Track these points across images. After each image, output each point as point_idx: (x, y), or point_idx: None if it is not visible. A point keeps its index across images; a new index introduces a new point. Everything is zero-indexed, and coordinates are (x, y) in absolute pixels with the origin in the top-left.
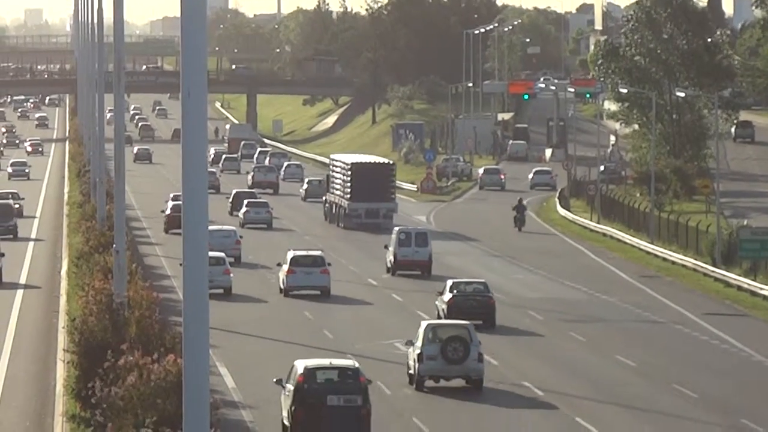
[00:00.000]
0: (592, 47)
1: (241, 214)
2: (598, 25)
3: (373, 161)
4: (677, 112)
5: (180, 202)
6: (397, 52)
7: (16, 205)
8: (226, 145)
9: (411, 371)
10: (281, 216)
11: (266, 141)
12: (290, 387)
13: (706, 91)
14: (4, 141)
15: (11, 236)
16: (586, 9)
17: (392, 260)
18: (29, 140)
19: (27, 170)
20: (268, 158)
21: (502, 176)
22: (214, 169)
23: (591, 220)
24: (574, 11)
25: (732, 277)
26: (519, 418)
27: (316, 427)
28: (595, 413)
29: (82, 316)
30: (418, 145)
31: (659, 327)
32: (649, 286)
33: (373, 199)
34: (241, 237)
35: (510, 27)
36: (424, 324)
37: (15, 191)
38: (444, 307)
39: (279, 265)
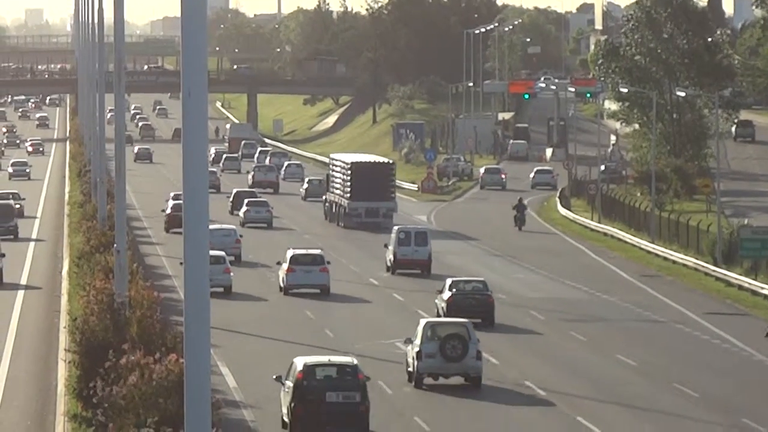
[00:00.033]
0: (592, 47)
1: (241, 213)
2: (599, 25)
3: (372, 160)
4: (678, 111)
5: (180, 202)
6: (397, 52)
7: (17, 206)
8: (227, 144)
9: (410, 369)
10: (281, 215)
11: (267, 140)
12: (290, 384)
13: (707, 90)
14: (5, 141)
15: (12, 237)
16: (587, 9)
17: (392, 259)
18: (30, 140)
19: (28, 170)
20: (268, 158)
21: (503, 176)
22: (214, 169)
23: (592, 220)
24: (574, 11)
25: (733, 276)
26: (520, 417)
27: (315, 423)
28: (596, 412)
29: (84, 315)
30: (418, 145)
31: (660, 326)
32: (649, 285)
33: (373, 199)
34: (241, 236)
35: (510, 27)
36: (422, 322)
37: (16, 191)
38: (443, 305)
39: (279, 263)
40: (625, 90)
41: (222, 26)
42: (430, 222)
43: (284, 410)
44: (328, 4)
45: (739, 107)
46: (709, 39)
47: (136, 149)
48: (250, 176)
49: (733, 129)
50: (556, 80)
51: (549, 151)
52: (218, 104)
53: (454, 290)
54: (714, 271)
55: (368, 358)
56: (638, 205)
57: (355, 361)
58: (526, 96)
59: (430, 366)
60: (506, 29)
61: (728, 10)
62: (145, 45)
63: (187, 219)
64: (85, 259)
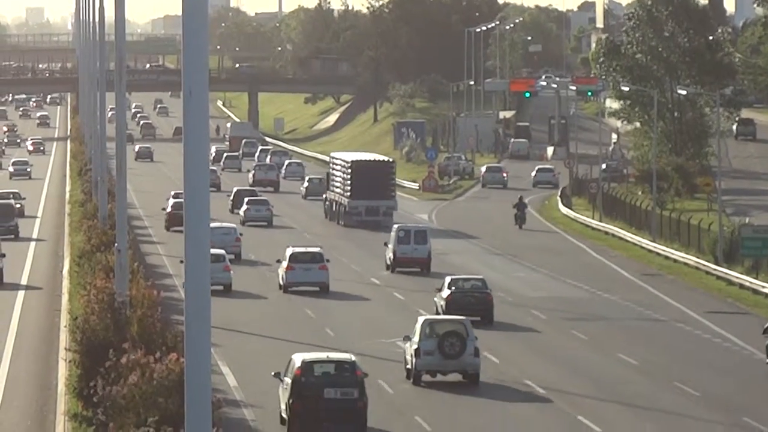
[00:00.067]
0: (593, 45)
1: (241, 211)
2: (600, 23)
3: (372, 159)
4: (679, 110)
5: (181, 200)
6: (398, 51)
7: (18, 205)
8: (228, 143)
9: (408, 366)
10: (282, 214)
11: (268, 139)
12: (288, 380)
13: (708, 89)
14: (6, 140)
15: (12, 236)
16: (588, 7)
17: (391, 257)
18: (31, 139)
19: (28, 169)
20: (269, 156)
21: (505, 174)
22: (215, 168)
23: (593, 218)
24: (575, 9)
25: (734, 275)
26: (520, 415)
27: (313, 419)
28: (597, 411)
29: (84, 315)
30: (419, 144)
31: (661, 325)
32: (650, 284)
33: (373, 197)
34: (241, 234)
35: (511, 25)
36: (421, 319)
37: (16, 191)
38: (443, 303)
39: (278, 261)
40: (627, 88)
41: (223, 25)
42: (431, 221)
43: (282, 406)
44: (329, 2)
45: (741, 105)
46: (711, 37)
47: (136, 148)
48: (250, 175)
49: (735, 127)
50: (558, 79)
51: (550, 150)
52: (219, 103)
53: (453, 288)
54: (715, 269)
55: (369, 357)
56: (639, 204)
57: (353, 358)
58: (527, 94)
59: (429, 363)
60: (507, 27)
61: (729, 8)
62: (146, 43)
63: (188, 218)
64: (86, 258)
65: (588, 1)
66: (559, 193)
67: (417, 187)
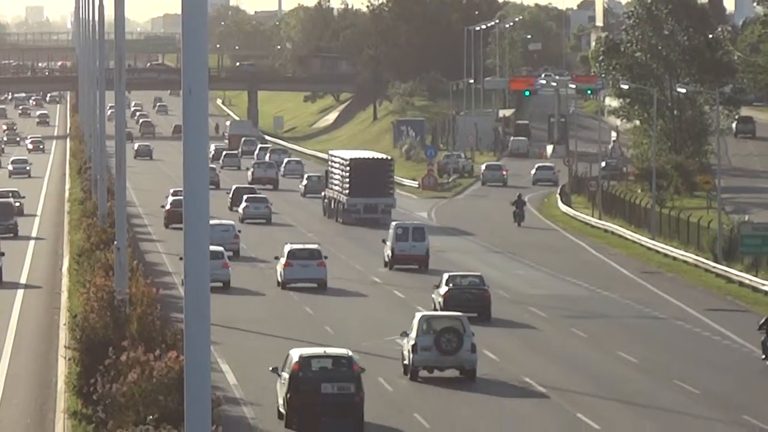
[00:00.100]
0: (593, 43)
1: (240, 209)
2: (599, 22)
3: (371, 157)
4: (678, 108)
5: (180, 197)
6: (398, 49)
7: (17, 204)
8: (227, 141)
9: (406, 362)
10: (280, 211)
11: (267, 137)
12: (286, 375)
13: (707, 87)
14: (5, 138)
15: (12, 235)
16: (587, 5)
17: (390, 255)
18: (30, 137)
19: (28, 168)
20: (268, 154)
21: (504, 172)
22: (213, 166)
23: (592, 216)
24: (575, 7)
25: (734, 273)
26: (519, 414)
27: (311, 413)
28: (596, 409)
29: (84, 312)
30: (419, 142)
31: (661, 323)
32: (650, 282)
33: (372, 195)
34: (239, 231)
35: (511, 23)
36: (418, 315)
37: (16, 189)
38: (440, 300)
39: (276, 258)
40: (626, 87)
41: (222, 23)
42: (430, 219)
43: (280, 401)
44: (328, 1)
45: (740, 104)
46: (710, 36)
47: (136, 146)
48: (249, 173)
49: (734, 125)
50: (557, 77)
51: (550, 148)
52: (219, 101)
53: (450, 285)
54: (714, 267)
55: (368, 355)
56: (639, 202)
57: (350, 353)
58: (527, 93)
59: (426, 359)
60: (507, 26)
61: (729, 7)
62: (146, 42)
63: (187, 216)
64: (86, 256)
65: (587, 0)
66: (558, 191)
67: (416, 185)
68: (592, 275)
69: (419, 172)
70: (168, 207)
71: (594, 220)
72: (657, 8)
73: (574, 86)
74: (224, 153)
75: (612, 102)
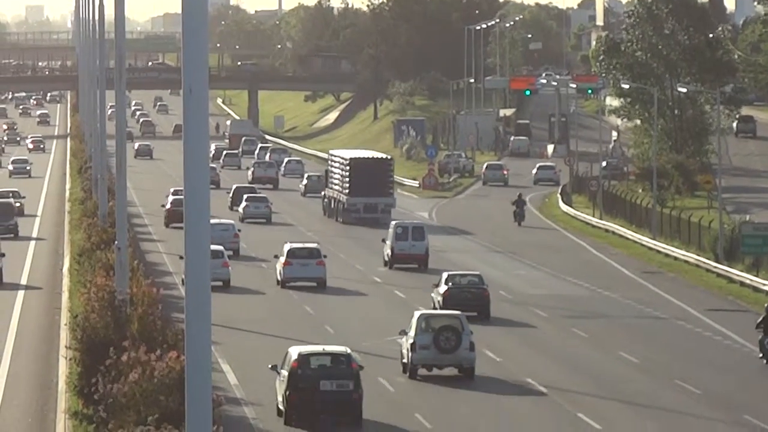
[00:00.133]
0: (593, 43)
1: (240, 208)
2: (600, 21)
3: (371, 156)
4: (679, 107)
5: (180, 197)
6: (398, 48)
7: (17, 204)
8: (227, 140)
9: (404, 360)
10: (281, 211)
11: (267, 137)
12: (285, 372)
13: (708, 86)
14: (6, 138)
15: (12, 235)
16: (588, 5)
17: (389, 254)
18: (30, 137)
19: (28, 167)
20: (268, 154)
21: (505, 172)
22: (214, 165)
23: (593, 216)
24: (575, 7)
25: (735, 273)
26: (520, 413)
27: (310, 411)
28: (597, 409)
29: (84, 313)
30: (419, 141)
31: (662, 323)
32: (651, 282)
33: (372, 194)
34: (239, 230)
35: (511, 23)
36: (417, 314)
37: (16, 190)
38: (440, 299)
39: (276, 257)
40: (627, 86)
41: (223, 23)
42: (431, 218)
43: (279, 398)
44: (329, 0)
45: (741, 103)
46: (711, 35)
47: (136, 145)
48: (249, 172)
49: (735, 125)
50: (558, 76)
51: (550, 148)
52: (219, 101)
53: (450, 284)
54: (716, 267)
55: (368, 354)
56: (640, 202)
57: (349, 350)
58: (528, 92)
59: (424, 357)
60: (507, 25)
61: (729, 6)
62: (146, 42)
63: (188, 215)
64: (86, 256)
65: None
66: (559, 191)
67: (417, 185)
68: (593, 275)
69: (420, 172)
70: (168, 206)
71: (595, 220)
72: (657, 7)
73: (574, 86)
74: (225, 152)
75: (612, 101)
